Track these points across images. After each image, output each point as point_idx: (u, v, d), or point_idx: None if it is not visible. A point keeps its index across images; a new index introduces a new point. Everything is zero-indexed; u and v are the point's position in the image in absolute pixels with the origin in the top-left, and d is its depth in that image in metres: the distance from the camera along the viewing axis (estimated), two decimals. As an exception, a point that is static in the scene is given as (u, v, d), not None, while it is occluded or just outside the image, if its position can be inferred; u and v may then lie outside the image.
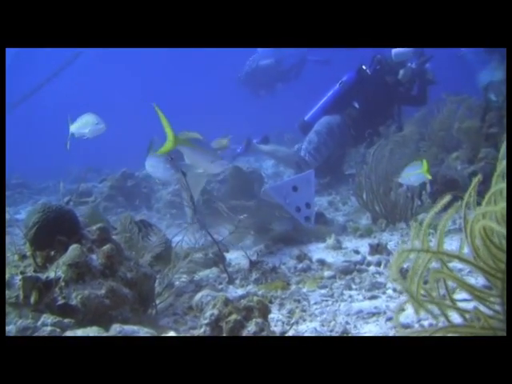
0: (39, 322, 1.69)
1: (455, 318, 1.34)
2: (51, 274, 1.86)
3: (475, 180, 1.06)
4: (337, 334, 1.92)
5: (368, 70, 5.65)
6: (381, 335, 1.90)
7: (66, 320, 1.72)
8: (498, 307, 0.98)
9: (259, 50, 11.34)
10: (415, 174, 3.14)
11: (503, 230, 0.86)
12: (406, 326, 1.92)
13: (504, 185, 0.90)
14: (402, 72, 5.45)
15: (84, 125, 3.02)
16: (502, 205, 0.87)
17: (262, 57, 11.76)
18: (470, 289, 0.98)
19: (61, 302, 1.80)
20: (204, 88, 27.19)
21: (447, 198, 1.08)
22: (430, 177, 3.13)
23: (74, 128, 3.05)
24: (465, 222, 1.00)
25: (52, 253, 1.97)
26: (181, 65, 26.78)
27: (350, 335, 1.92)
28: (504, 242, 0.88)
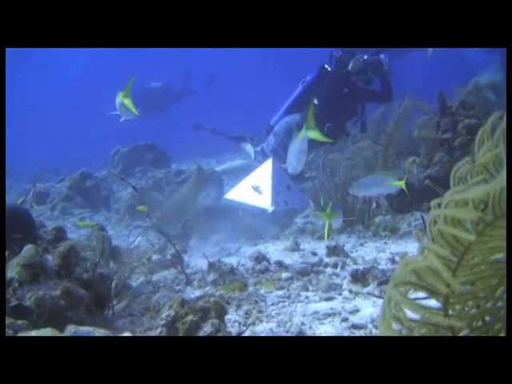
0: (-9, 324, 1.66)
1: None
2: (4, 275, 1.83)
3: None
4: (292, 335, 1.94)
5: (329, 68, 5.62)
6: (378, 335, 1.91)
7: (20, 321, 1.69)
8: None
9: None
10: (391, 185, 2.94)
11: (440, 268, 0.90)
12: (360, 327, 1.97)
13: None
14: (351, 63, 5.36)
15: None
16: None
17: (152, 79, 12.62)
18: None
19: (14, 303, 1.77)
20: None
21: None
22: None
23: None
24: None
25: (6, 253, 1.94)
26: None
27: (308, 335, 1.95)
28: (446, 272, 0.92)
